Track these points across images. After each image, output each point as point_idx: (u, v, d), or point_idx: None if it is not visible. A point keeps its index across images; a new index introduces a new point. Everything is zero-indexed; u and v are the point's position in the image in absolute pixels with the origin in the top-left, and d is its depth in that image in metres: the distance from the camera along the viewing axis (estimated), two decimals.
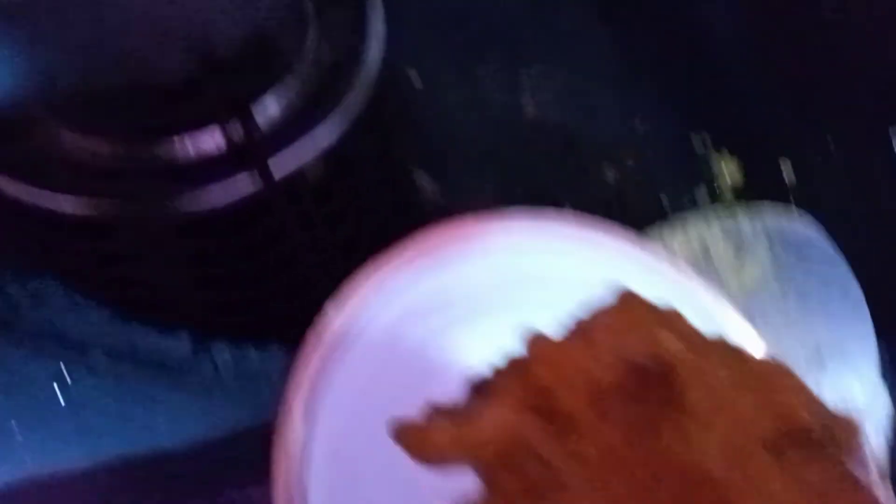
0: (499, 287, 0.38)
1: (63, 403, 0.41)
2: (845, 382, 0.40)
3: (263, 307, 0.42)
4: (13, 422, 0.40)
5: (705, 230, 0.46)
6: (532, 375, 0.24)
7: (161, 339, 0.43)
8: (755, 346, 0.36)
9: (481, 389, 0.26)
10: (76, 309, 0.44)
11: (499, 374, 0.25)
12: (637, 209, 0.44)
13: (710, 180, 0.49)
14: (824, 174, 0.49)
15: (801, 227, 0.45)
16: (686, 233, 0.45)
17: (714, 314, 0.36)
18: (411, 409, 0.35)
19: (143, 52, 0.39)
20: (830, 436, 0.24)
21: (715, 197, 0.48)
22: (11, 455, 0.39)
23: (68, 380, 0.41)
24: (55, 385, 0.41)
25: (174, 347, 0.42)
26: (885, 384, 0.40)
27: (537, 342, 0.25)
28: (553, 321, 0.29)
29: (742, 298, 0.42)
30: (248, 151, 0.47)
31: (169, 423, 0.40)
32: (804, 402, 0.24)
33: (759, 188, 0.48)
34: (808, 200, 0.47)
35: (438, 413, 0.26)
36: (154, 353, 0.42)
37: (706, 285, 0.37)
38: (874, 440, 0.38)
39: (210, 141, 0.46)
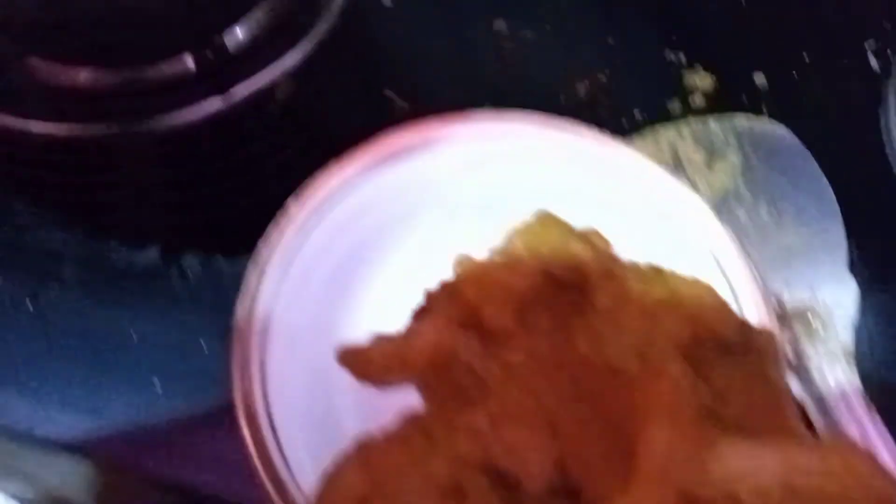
0: (457, 182, 0.38)
1: (32, 311, 0.41)
2: (813, 280, 0.40)
3: (231, 217, 0.43)
4: None
5: (676, 138, 0.45)
6: (460, 294, 0.26)
7: (130, 251, 0.43)
8: (723, 242, 0.35)
9: (419, 313, 0.28)
10: (46, 226, 0.44)
11: (432, 296, 0.28)
12: (609, 124, 0.44)
13: (683, 95, 0.48)
14: (798, 87, 0.49)
15: (773, 132, 0.45)
16: (657, 141, 0.45)
17: (682, 209, 0.36)
18: (367, 296, 0.35)
19: None
20: (748, 346, 0.27)
21: (688, 111, 0.47)
22: None
23: (38, 292, 0.42)
24: (26, 298, 0.42)
25: (143, 258, 0.42)
26: (854, 280, 0.40)
27: (464, 263, 0.27)
28: (510, 217, 0.30)
29: (712, 201, 0.42)
30: (216, 73, 0.47)
31: (138, 329, 0.40)
32: (723, 316, 0.26)
33: (732, 102, 0.48)
34: (782, 112, 0.46)
35: (380, 337, 0.28)
36: (123, 265, 0.42)
37: (674, 183, 0.37)
38: (841, 332, 0.38)
39: (180, 64, 0.46)
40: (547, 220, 0.29)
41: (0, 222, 0.44)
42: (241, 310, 0.32)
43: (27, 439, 0.38)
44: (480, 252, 0.29)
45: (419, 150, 0.37)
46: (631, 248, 0.32)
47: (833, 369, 0.37)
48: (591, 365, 0.24)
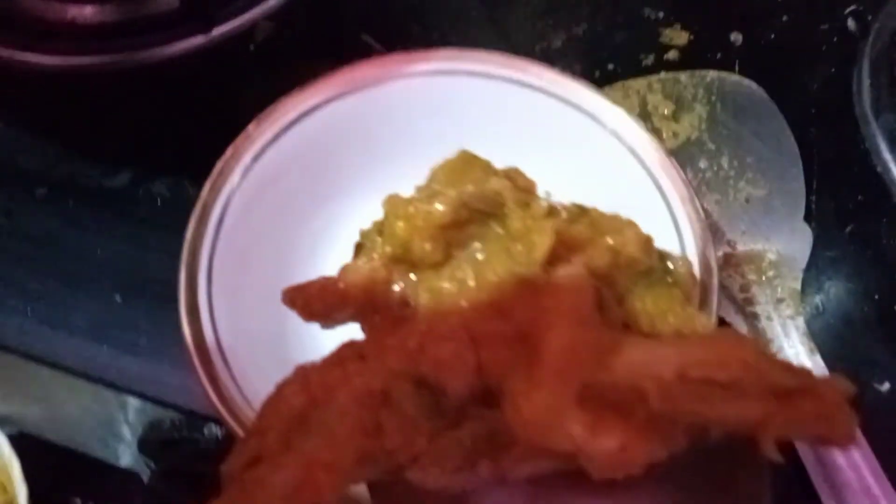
0: (415, 114, 0.38)
1: (5, 227, 0.42)
2: (769, 229, 0.40)
3: (203, 148, 0.43)
4: None
5: (646, 90, 0.46)
6: (390, 230, 0.28)
7: (103, 176, 0.44)
8: (659, 158, 0.35)
9: (356, 249, 0.30)
10: (23, 148, 0.45)
11: (364, 233, 0.30)
12: (581, 75, 0.44)
13: (659, 51, 0.48)
14: (773, 47, 0.49)
15: (743, 86, 0.45)
16: (626, 91, 0.46)
17: (628, 138, 0.36)
18: (315, 216, 0.35)
19: None
20: (666, 272, 0.29)
21: (662, 66, 0.48)
22: None
23: (12, 209, 0.43)
24: (2, 215, 0.43)
25: (115, 183, 0.43)
26: (809, 230, 0.40)
27: (392, 201, 0.29)
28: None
29: (673, 148, 0.43)
30: (200, 11, 0.48)
31: (105, 248, 0.41)
32: (642, 247, 0.28)
33: (706, 58, 0.48)
34: (754, 69, 0.47)
35: (321, 277, 0.29)
36: (96, 189, 0.43)
37: (626, 116, 0.37)
38: (792, 279, 0.39)
39: (165, 2, 0.47)
40: (467, 158, 0.30)
41: None
42: (192, 223, 0.33)
43: None
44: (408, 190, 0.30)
45: (379, 82, 0.38)
46: (575, 184, 0.33)
47: (780, 313, 0.38)
48: (505, 282, 0.26)
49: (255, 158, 0.36)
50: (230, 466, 0.23)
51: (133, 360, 0.38)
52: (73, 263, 0.41)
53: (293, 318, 0.31)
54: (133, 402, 0.39)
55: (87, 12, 0.46)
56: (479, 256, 0.27)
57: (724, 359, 0.22)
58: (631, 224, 0.29)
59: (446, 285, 0.27)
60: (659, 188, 0.34)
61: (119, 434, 0.41)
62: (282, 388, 0.23)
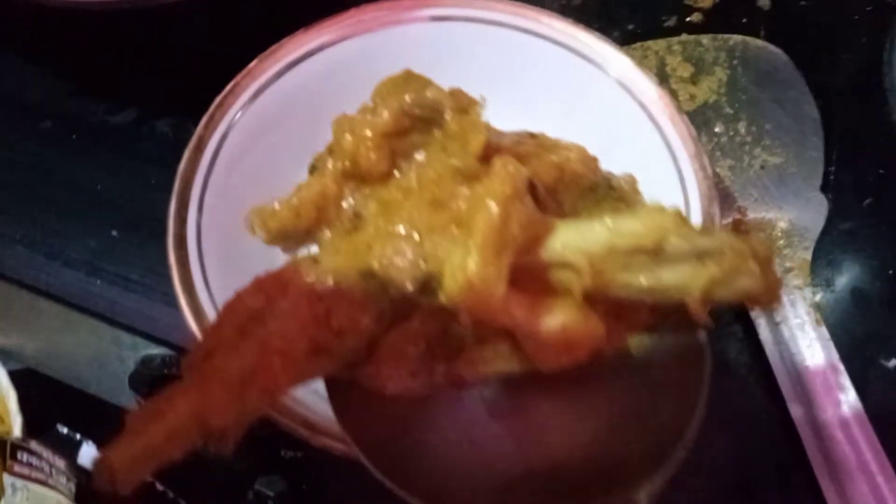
0: (420, 59, 0.37)
1: (9, 160, 0.42)
2: (783, 198, 0.39)
3: (207, 87, 0.43)
4: None
5: (666, 51, 0.44)
6: (338, 147, 0.30)
7: (107, 112, 0.43)
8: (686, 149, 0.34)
9: (310, 171, 0.32)
10: (30, 82, 0.45)
11: (318, 156, 0.32)
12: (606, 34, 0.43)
13: (682, 13, 0.47)
14: (803, 13, 0.47)
15: (767, 51, 0.43)
16: (645, 52, 0.44)
17: (638, 91, 0.35)
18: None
19: None
20: (609, 186, 0.31)
21: (684, 28, 0.46)
22: None
23: (16, 143, 0.43)
24: (4, 148, 0.43)
25: (119, 120, 0.43)
26: (826, 201, 0.39)
27: (339, 120, 0.30)
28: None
29: (689, 111, 0.41)
30: None
31: (105, 184, 0.41)
32: (587, 165, 0.30)
33: (731, 23, 0.46)
34: (780, 36, 0.45)
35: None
36: (99, 125, 0.43)
37: (636, 68, 0.36)
38: (802, 250, 0.37)
39: None
40: (409, 76, 0.31)
41: None
42: (186, 154, 0.33)
43: None
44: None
45: (385, 26, 0.37)
46: (580, 136, 0.32)
47: (787, 282, 0.36)
48: (443, 180, 0.27)
49: (255, 95, 0.35)
50: (189, 359, 0.24)
51: (126, 294, 0.38)
52: (72, 196, 0.41)
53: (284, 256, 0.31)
54: (126, 338, 0.39)
55: None
56: (420, 160, 0.29)
57: (648, 228, 0.23)
58: (578, 146, 0.30)
59: (394, 194, 0.28)
60: (666, 143, 0.33)
61: (113, 370, 0.41)
62: (239, 293, 0.24)
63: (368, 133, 0.29)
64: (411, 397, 0.24)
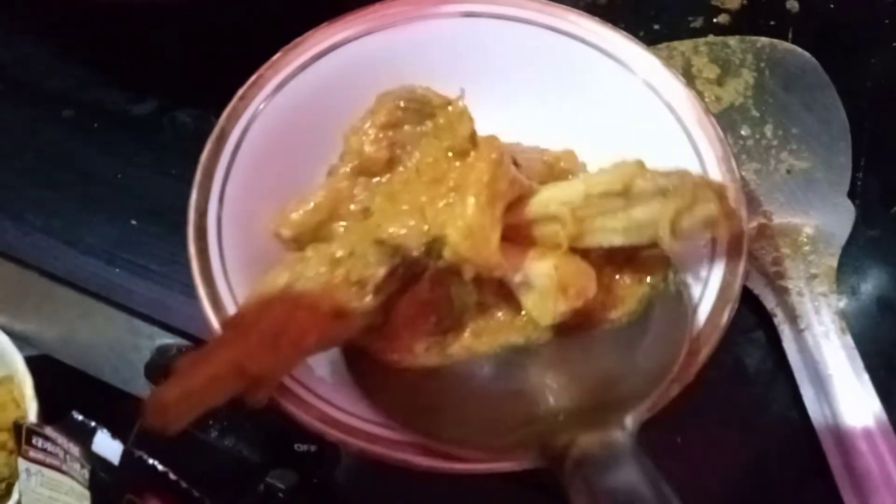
0: (444, 54, 0.37)
1: (32, 146, 0.42)
2: (809, 202, 0.38)
3: (228, 79, 0.43)
4: None
5: (692, 52, 0.44)
6: (346, 148, 0.33)
7: (129, 102, 0.43)
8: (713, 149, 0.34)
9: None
10: (55, 69, 0.45)
11: (333, 166, 0.34)
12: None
13: (709, 14, 0.46)
14: (832, 17, 0.46)
15: (796, 55, 0.43)
16: (671, 52, 0.44)
17: (665, 92, 0.34)
18: (334, 150, 0.35)
19: None
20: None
21: (711, 30, 0.46)
22: None
23: (38, 129, 0.43)
24: (28, 134, 0.43)
25: (140, 110, 0.43)
26: (853, 207, 0.38)
27: (348, 130, 0.33)
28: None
29: (715, 113, 0.41)
30: None
31: (126, 173, 0.41)
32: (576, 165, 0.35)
33: (758, 25, 0.46)
34: (809, 39, 0.44)
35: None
36: (121, 115, 0.43)
37: (664, 68, 0.35)
38: (829, 256, 0.37)
39: None
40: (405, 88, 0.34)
41: (13, 62, 0.45)
42: (208, 145, 0.33)
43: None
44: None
45: (410, 21, 0.37)
46: (605, 136, 0.34)
47: (812, 289, 0.36)
48: (439, 162, 0.31)
49: (279, 87, 0.35)
50: (226, 320, 0.27)
51: (144, 284, 0.38)
52: (93, 185, 0.41)
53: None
54: (143, 328, 0.39)
55: None
56: (418, 151, 0.32)
57: (616, 176, 0.28)
58: (569, 153, 0.35)
59: (396, 186, 0.32)
60: (693, 145, 0.32)
61: (128, 359, 0.41)
62: (269, 273, 0.28)
63: (367, 126, 0.32)
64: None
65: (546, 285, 0.29)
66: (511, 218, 0.29)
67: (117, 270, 0.38)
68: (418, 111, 0.33)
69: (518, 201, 0.30)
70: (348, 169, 0.33)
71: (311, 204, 0.31)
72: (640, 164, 0.29)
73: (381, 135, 0.32)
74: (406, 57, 0.37)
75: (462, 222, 0.27)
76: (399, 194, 0.31)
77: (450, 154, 0.31)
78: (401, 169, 0.32)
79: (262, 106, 0.34)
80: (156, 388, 0.24)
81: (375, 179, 0.32)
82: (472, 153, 0.30)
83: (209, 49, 0.44)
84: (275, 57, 0.36)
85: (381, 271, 0.28)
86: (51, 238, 0.39)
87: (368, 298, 0.27)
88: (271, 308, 0.26)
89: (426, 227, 0.28)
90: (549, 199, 0.30)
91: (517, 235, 0.29)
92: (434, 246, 0.28)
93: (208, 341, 0.28)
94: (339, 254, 0.28)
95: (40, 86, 0.44)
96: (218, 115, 0.38)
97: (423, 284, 0.29)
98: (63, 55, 0.46)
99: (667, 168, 0.29)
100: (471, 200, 0.27)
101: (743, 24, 0.46)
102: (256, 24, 0.44)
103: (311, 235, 0.32)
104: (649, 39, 0.45)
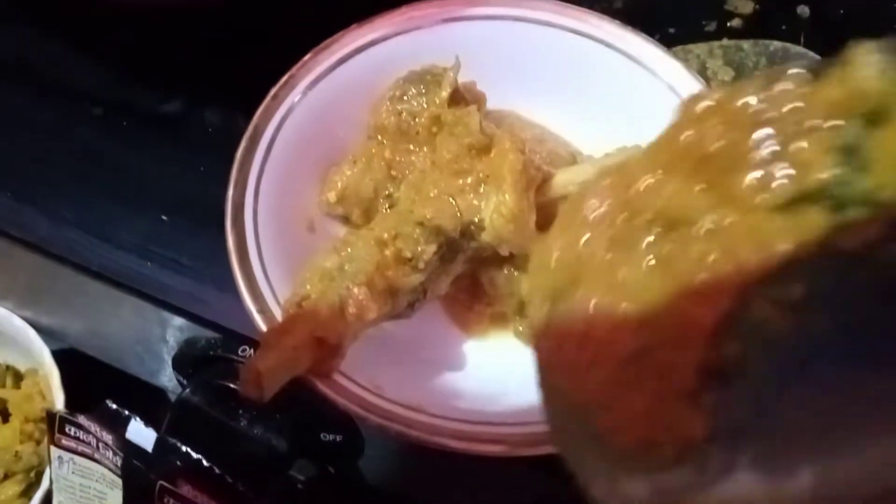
0: (470, 56, 0.38)
1: (65, 146, 0.43)
2: None
3: (256, 78, 0.44)
4: (16, 158, 0.43)
5: (707, 55, 0.45)
6: (369, 122, 0.37)
7: (158, 101, 0.44)
8: None
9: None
10: (85, 69, 0.46)
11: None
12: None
13: (722, 18, 0.47)
14: (842, 23, 0.47)
15: (805, 58, 0.44)
16: (686, 55, 0.45)
17: (681, 86, 0.36)
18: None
19: None
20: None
21: (724, 33, 0.47)
22: (19, 180, 0.42)
23: (69, 123, 0.44)
24: (61, 132, 0.44)
25: (169, 109, 0.44)
26: None
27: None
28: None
29: None
30: None
31: (156, 170, 0.42)
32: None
33: (770, 29, 0.47)
34: (820, 44, 0.45)
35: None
36: (150, 112, 0.44)
37: (686, 72, 0.36)
38: None
39: None
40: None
41: (45, 62, 0.46)
42: (243, 143, 0.34)
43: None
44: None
45: (436, 23, 0.38)
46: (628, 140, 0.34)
47: None
48: (460, 157, 0.33)
49: (310, 87, 0.36)
50: (286, 303, 0.30)
51: (174, 277, 0.39)
52: (123, 181, 0.42)
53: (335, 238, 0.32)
54: (172, 320, 0.40)
55: None
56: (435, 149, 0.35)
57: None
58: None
59: (418, 176, 0.34)
60: None
61: (156, 351, 0.42)
62: (311, 260, 0.31)
63: (385, 101, 0.36)
64: None
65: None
66: (536, 198, 0.33)
67: (149, 264, 0.39)
68: (419, 79, 0.36)
69: (540, 185, 0.34)
70: (371, 137, 0.36)
71: (348, 168, 0.35)
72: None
73: (390, 106, 0.36)
74: (432, 58, 0.38)
75: (505, 209, 0.31)
76: (422, 185, 0.34)
77: (472, 151, 0.33)
78: (418, 161, 0.35)
79: (294, 104, 0.35)
80: (248, 360, 0.29)
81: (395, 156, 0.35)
82: (493, 149, 0.33)
83: (233, 50, 0.45)
84: (306, 58, 0.37)
85: (431, 248, 0.31)
86: (84, 233, 0.40)
87: (418, 275, 0.31)
88: (333, 286, 0.29)
89: (459, 214, 0.31)
90: (566, 181, 0.34)
91: (541, 215, 0.33)
92: (468, 230, 0.32)
93: (258, 332, 0.30)
94: (385, 235, 0.31)
95: (69, 85, 0.45)
96: (244, 114, 0.39)
97: (455, 265, 0.33)
98: (90, 55, 0.47)
99: None
100: (509, 189, 0.31)
101: (756, 28, 0.47)
102: (279, 27, 0.46)
103: (353, 198, 0.35)
104: (665, 42, 0.46)
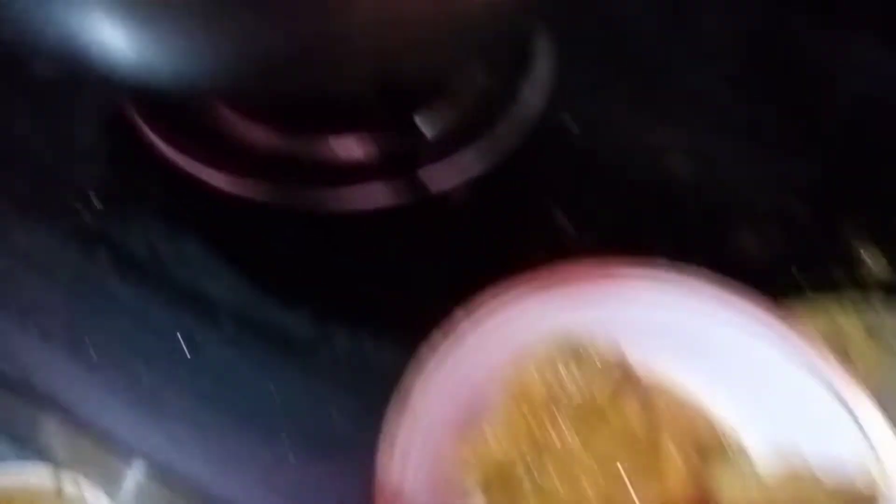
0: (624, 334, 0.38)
1: (188, 357, 0.43)
2: None
3: (386, 307, 0.44)
4: (139, 361, 0.43)
5: (841, 315, 0.44)
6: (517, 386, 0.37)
7: (286, 317, 0.45)
8: (882, 430, 0.34)
9: None
10: (214, 274, 0.47)
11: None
12: (769, 280, 0.43)
13: (851, 267, 0.47)
14: None
15: None
16: (817, 312, 0.44)
17: (843, 394, 0.35)
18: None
19: (328, 66, 0.39)
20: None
21: (853, 284, 0.46)
22: (137, 393, 0.42)
23: (195, 336, 0.44)
24: (180, 338, 0.44)
25: (297, 328, 0.44)
26: None
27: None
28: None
29: (871, 387, 0.40)
30: (401, 164, 0.50)
31: (280, 391, 0.42)
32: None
33: None
34: None
35: None
36: (278, 330, 0.44)
37: (838, 366, 0.36)
38: None
39: (364, 147, 0.49)
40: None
41: (173, 265, 0.47)
42: (398, 402, 0.34)
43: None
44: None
45: (590, 293, 0.38)
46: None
47: None
48: (617, 452, 0.34)
49: (462, 353, 0.36)
50: None
51: None
52: (246, 400, 0.41)
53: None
54: None
55: (273, 140, 0.48)
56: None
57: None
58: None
59: (558, 455, 0.34)
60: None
61: None
62: None
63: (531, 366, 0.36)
64: None
65: None
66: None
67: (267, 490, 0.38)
68: (573, 353, 0.36)
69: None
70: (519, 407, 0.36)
71: (490, 440, 0.35)
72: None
73: (540, 374, 0.36)
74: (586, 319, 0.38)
75: None
76: (571, 468, 0.33)
77: (631, 444, 0.33)
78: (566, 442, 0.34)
79: (441, 362, 0.35)
80: None
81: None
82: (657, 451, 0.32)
83: (362, 272, 0.46)
84: (455, 322, 0.37)
85: None
86: (207, 462, 0.39)
87: None
88: None
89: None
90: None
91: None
92: None
93: None
94: None
95: (198, 289, 0.46)
96: (373, 342, 0.39)
97: None
98: (222, 260, 0.47)
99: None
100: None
101: (886, 286, 0.46)
102: (408, 251, 0.46)
103: (495, 472, 0.35)
104: (790, 288, 0.45)
